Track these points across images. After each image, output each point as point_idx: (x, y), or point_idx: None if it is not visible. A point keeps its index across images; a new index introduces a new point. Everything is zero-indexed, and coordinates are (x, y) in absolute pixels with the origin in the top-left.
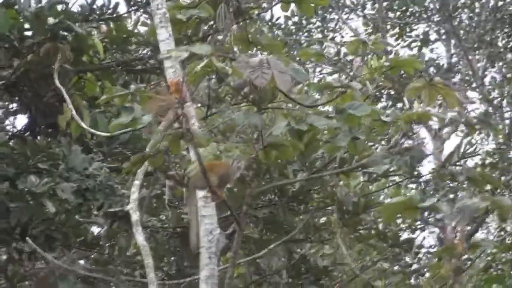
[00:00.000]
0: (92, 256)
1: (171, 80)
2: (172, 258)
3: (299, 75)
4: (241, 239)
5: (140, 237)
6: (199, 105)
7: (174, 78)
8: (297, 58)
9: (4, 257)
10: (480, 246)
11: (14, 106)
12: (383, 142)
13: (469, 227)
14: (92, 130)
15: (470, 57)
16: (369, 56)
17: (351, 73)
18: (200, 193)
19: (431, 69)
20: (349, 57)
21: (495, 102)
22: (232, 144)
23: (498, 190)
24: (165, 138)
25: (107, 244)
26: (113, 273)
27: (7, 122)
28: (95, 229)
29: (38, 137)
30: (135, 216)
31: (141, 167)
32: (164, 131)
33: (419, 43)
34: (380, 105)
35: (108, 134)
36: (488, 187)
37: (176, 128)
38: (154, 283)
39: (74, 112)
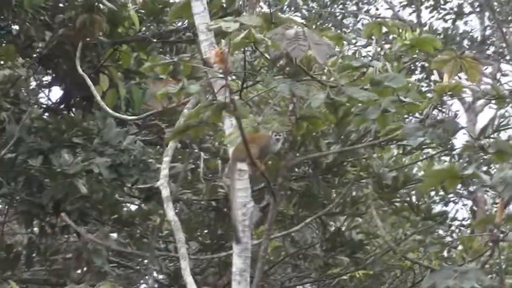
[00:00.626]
0: (126, 230)
1: (215, 50)
2: (206, 231)
3: (329, 48)
4: (276, 212)
5: (171, 212)
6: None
7: (218, 49)
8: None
9: (37, 230)
10: None
11: (48, 79)
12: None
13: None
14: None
15: (504, 30)
16: (402, 31)
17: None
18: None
19: (465, 42)
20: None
21: None
22: (270, 116)
23: None
24: (208, 109)
25: (140, 222)
26: (147, 249)
27: (41, 94)
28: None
29: (73, 110)
30: (165, 192)
31: (172, 143)
32: (208, 103)
33: (453, 16)
34: (414, 77)
35: None
36: None
37: (218, 99)
38: (186, 258)
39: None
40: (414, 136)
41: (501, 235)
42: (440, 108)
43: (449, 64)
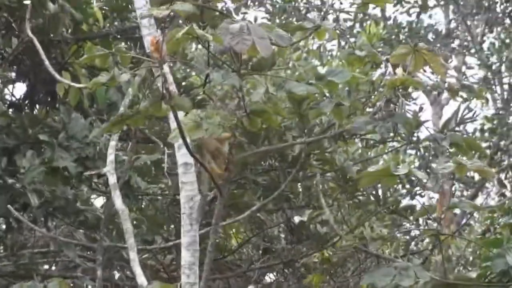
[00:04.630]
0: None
1: (151, 38)
2: (172, 226)
3: (283, 40)
4: (222, 206)
5: (118, 201)
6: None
7: (153, 38)
8: None
9: (4, 226)
10: (457, 207)
11: (12, 75)
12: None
13: (468, 192)
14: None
15: (468, 23)
16: (368, 23)
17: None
18: (181, 160)
19: (430, 35)
20: (348, 23)
21: (493, 67)
22: (213, 110)
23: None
24: (146, 99)
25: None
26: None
27: (5, 91)
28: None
29: (37, 106)
30: (112, 179)
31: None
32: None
33: (417, 9)
34: (380, 71)
35: None
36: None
37: (156, 89)
38: (134, 248)
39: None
40: (363, 129)
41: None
42: (392, 101)
43: (408, 58)
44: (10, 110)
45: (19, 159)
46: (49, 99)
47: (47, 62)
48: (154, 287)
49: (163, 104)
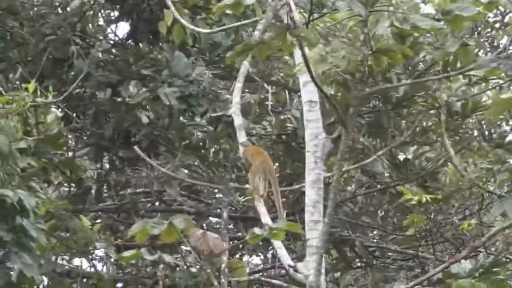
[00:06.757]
0: (196, 163)
1: None
2: (276, 164)
3: None
4: (348, 143)
5: (242, 140)
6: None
7: None
8: None
9: (107, 165)
10: None
11: (115, 14)
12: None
13: None
14: (195, 28)
15: None
16: None
17: None
18: (305, 97)
19: None
20: None
21: None
22: (338, 45)
23: None
24: (270, 29)
25: (211, 149)
26: (219, 182)
27: (108, 30)
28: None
29: (140, 44)
30: (238, 120)
31: (243, 69)
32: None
33: None
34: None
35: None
36: None
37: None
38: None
39: (176, 14)
40: (487, 67)
41: None
42: None
43: None
44: (114, 49)
45: (123, 91)
46: (151, 37)
47: None
48: (279, 225)
49: (288, 35)
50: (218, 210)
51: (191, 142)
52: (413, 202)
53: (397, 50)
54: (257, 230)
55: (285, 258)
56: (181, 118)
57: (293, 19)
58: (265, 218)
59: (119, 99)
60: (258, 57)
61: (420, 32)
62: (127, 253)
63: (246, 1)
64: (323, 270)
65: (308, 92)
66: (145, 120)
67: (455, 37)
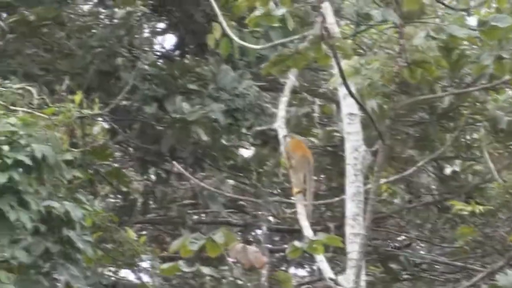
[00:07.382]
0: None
1: None
2: (322, 176)
3: None
4: (386, 153)
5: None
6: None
7: None
8: None
9: (153, 177)
10: None
11: (162, 26)
12: None
13: None
14: (243, 43)
15: None
16: None
17: None
18: (345, 110)
19: None
20: None
21: None
22: (373, 56)
23: None
24: (306, 40)
25: (255, 168)
26: (260, 195)
27: (155, 42)
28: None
29: (187, 57)
30: (282, 133)
31: (289, 83)
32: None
33: None
34: None
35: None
36: None
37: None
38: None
39: (226, 27)
40: None
41: None
42: None
43: None
44: (160, 61)
45: (169, 106)
46: (198, 50)
47: None
48: (320, 238)
49: (323, 45)
50: (260, 223)
51: (236, 162)
52: (464, 213)
53: (433, 61)
54: (296, 244)
55: (327, 270)
56: (226, 135)
57: (327, 29)
58: (307, 231)
59: (175, 116)
60: (294, 67)
61: (457, 42)
62: (165, 265)
63: (276, 12)
64: (363, 283)
65: (348, 105)
66: (204, 137)
67: (491, 49)
